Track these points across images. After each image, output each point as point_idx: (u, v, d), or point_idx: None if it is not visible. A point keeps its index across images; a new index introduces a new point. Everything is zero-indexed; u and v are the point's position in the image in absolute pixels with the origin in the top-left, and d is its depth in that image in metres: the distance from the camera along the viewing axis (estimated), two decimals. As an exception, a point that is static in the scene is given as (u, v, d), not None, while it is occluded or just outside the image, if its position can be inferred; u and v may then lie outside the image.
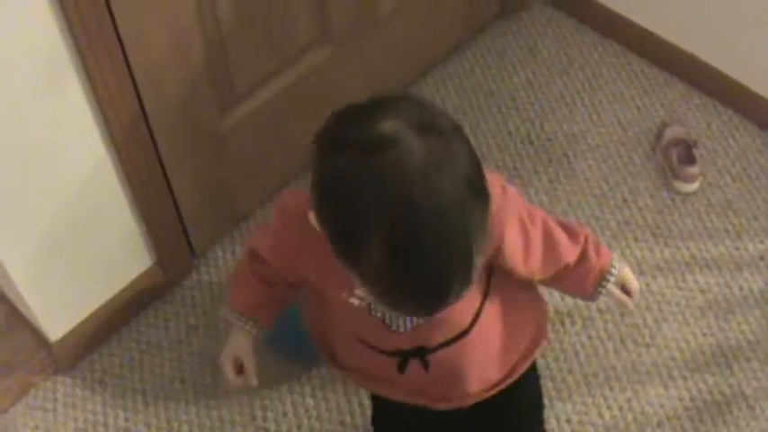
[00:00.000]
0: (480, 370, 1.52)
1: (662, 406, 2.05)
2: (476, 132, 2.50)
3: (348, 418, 2.03)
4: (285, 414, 2.04)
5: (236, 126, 2.10)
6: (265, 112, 2.15)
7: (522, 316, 1.55)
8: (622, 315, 2.15)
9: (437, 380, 1.49)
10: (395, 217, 1.03)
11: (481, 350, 1.49)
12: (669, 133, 2.46)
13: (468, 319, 1.42)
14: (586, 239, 1.50)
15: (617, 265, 1.54)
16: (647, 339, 2.14)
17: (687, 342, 2.15)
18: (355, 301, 1.33)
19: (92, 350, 2.14)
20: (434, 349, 1.44)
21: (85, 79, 1.71)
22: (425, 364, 1.46)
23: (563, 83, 2.63)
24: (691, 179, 2.39)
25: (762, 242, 2.33)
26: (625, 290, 1.58)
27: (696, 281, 2.25)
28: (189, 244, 2.21)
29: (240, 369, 1.60)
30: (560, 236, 1.46)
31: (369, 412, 2.01)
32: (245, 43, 1.98)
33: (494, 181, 1.27)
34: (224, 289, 2.22)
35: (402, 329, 1.39)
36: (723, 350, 2.14)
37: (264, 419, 2.04)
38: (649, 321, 2.16)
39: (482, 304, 1.43)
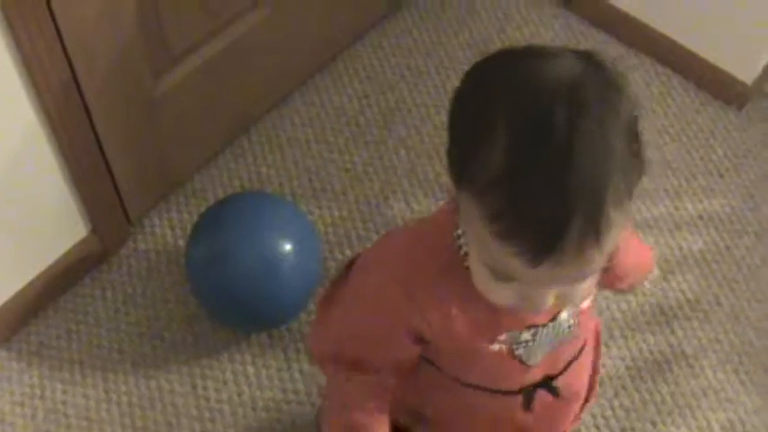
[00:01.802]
0: (586, 383, 1.45)
1: (603, 365, 2.05)
2: (413, 93, 2.48)
3: (289, 385, 2.01)
4: (225, 383, 2.02)
5: (171, 90, 2.06)
6: (200, 76, 2.10)
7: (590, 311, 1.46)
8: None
9: (559, 406, 1.40)
10: (525, 121, 0.91)
11: (588, 360, 1.43)
12: (608, 93, 2.46)
13: (586, 333, 1.35)
14: (643, 247, 1.52)
15: (654, 266, 1.55)
16: (588, 300, 2.14)
17: (627, 302, 2.15)
18: (496, 347, 1.21)
19: (27, 322, 2.09)
20: (561, 372, 1.34)
21: (13, 44, 1.66)
22: (554, 391, 1.34)
23: (501, 43, 2.61)
24: (630, 139, 2.39)
25: (701, 202, 2.34)
26: None
27: (636, 241, 2.26)
28: (124, 212, 2.16)
29: None
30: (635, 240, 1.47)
31: (311, 378, 2.00)
32: (180, 5, 1.94)
33: None
34: (161, 256, 2.18)
35: (538, 362, 1.27)
36: (663, 309, 2.16)
37: (205, 388, 2.01)
38: (590, 282, 2.17)
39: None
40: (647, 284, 1.57)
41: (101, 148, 1.97)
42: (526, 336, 1.21)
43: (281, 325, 2.04)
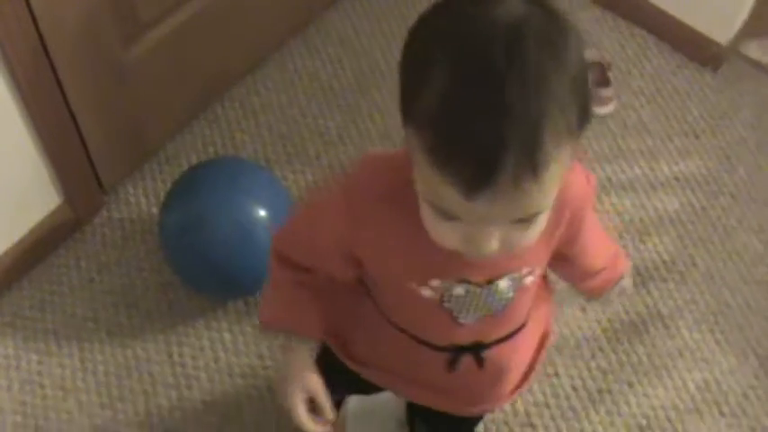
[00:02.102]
0: (518, 368, 1.44)
1: (579, 328, 2.06)
2: (387, 57, 2.46)
3: (266, 351, 2.01)
4: (202, 349, 2.01)
5: (142, 57, 2.04)
6: (171, 43, 2.08)
7: (544, 312, 1.46)
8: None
9: (483, 380, 1.40)
10: (463, 55, 0.92)
11: (526, 347, 1.42)
12: (583, 56, 2.45)
13: (525, 313, 1.35)
14: (617, 249, 1.46)
15: (628, 272, 1.51)
16: (565, 262, 2.15)
17: (604, 264, 2.16)
18: (427, 292, 1.22)
19: (1, 293, 2.08)
20: (491, 344, 1.33)
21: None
22: (480, 361, 1.34)
23: (476, 7, 2.59)
24: (605, 102, 2.38)
25: (676, 163, 2.34)
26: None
27: (612, 203, 2.26)
28: (98, 180, 2.15)
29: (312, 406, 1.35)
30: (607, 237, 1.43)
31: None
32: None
33: (578, 167, 1.19)
34: (135, 224, 2.17)
35: (469, 321, 1.26)
36: (639, 271, 2.16)
37: (181, 356, 2.01)
38: (566, 244, 2.17)
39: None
40: (615, 294, 1.51)
41: (73, 117, 1.96)
42: (459, 290, 1.20)
43: (256, 292, 2.03)
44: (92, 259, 2.13)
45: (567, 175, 1.07)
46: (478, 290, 1.21)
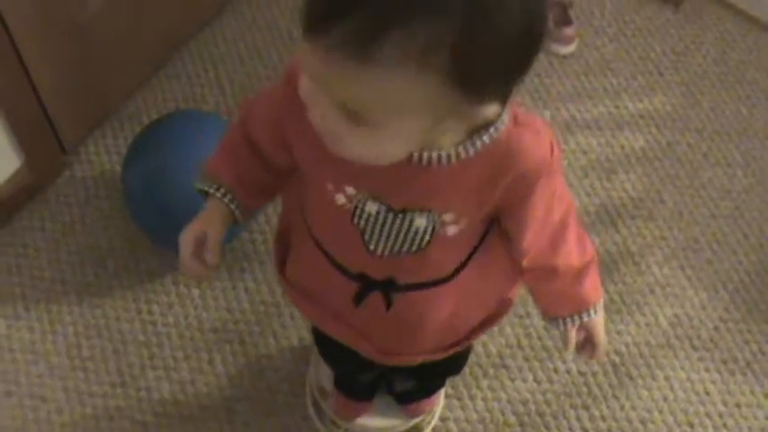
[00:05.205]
0: (441, 328, 1.37)
1: (549, 268, 2.06)
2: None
3: (234, 304, 2.00)
4: (171, 306, 2.00)
5: (98, 13, 2.00)
6: (127, -4, 2.05)
7: (499, 280, 1.38)
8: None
9: (392, 326, 1.34)
10: None
11: (451, 306, 1.33)
12: (544, -4, 2.43)
13: (451, 268, 1.27)
14: (591, 261, 1.31)
15: (598, 311, 1.35)
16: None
17: (571, 203, 2.15)
18: (341, 199, 1.16)
19: (-34, 258, 2.06)
20: (404, 288, 1.28)
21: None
22: (389, 302, 1.29)
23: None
24: (568, 41, 2.37)
25: (641, 100, 2.34)
26: (588, 339, 1.36)
27: (578, 142, 2.25)
28: (58, 141, 2.12)
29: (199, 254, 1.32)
30: (572, 235, 1.26)
31: (257, 297, 1.99)
32: None
33: (545, 134, 1.11)
34: (98, 183, 2.14)
35: (379, 251, 1.21)
36: (607, 209, 2.16)
37: (150, 313, 1.99)
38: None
39: (470, 257, 1.28)
40: (571, 328, 1.34)
41: (29, 77, 1.92)
42: (371, 207, 1.16)
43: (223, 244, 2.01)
44: (56, 220, 2.11)
45: (525, 135, 1.04)
46: (391, 215, 1.16)
